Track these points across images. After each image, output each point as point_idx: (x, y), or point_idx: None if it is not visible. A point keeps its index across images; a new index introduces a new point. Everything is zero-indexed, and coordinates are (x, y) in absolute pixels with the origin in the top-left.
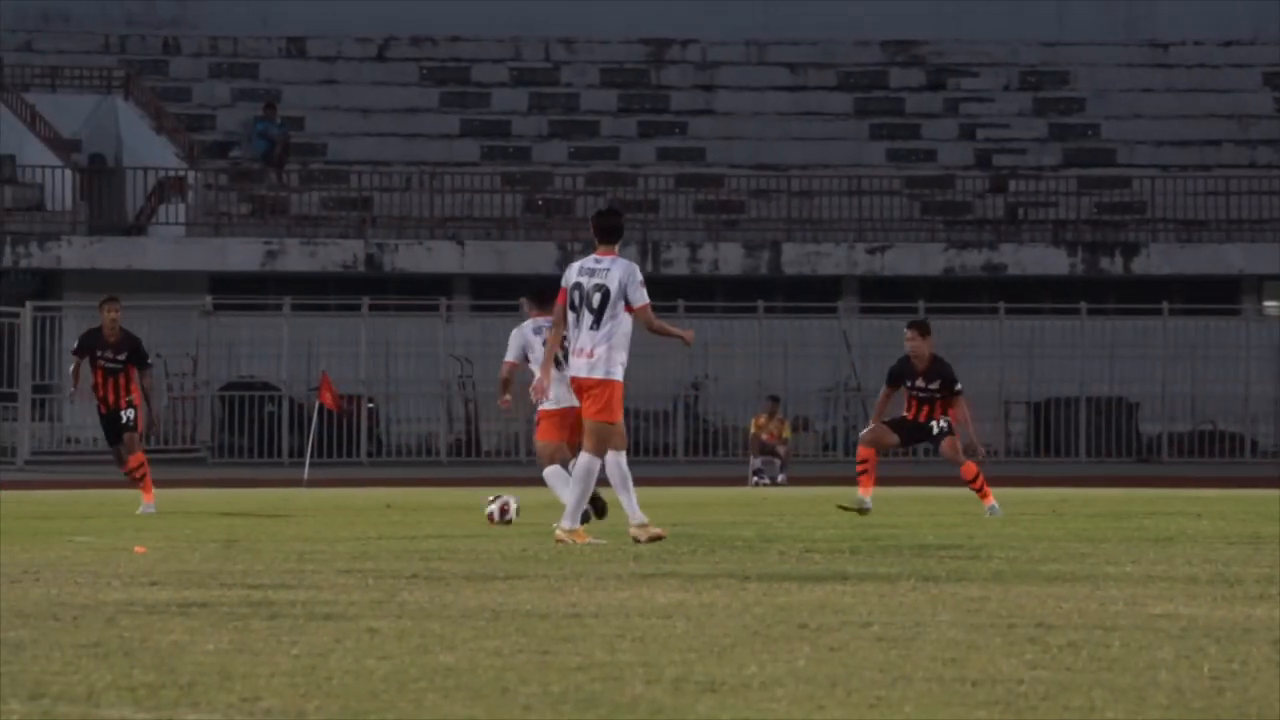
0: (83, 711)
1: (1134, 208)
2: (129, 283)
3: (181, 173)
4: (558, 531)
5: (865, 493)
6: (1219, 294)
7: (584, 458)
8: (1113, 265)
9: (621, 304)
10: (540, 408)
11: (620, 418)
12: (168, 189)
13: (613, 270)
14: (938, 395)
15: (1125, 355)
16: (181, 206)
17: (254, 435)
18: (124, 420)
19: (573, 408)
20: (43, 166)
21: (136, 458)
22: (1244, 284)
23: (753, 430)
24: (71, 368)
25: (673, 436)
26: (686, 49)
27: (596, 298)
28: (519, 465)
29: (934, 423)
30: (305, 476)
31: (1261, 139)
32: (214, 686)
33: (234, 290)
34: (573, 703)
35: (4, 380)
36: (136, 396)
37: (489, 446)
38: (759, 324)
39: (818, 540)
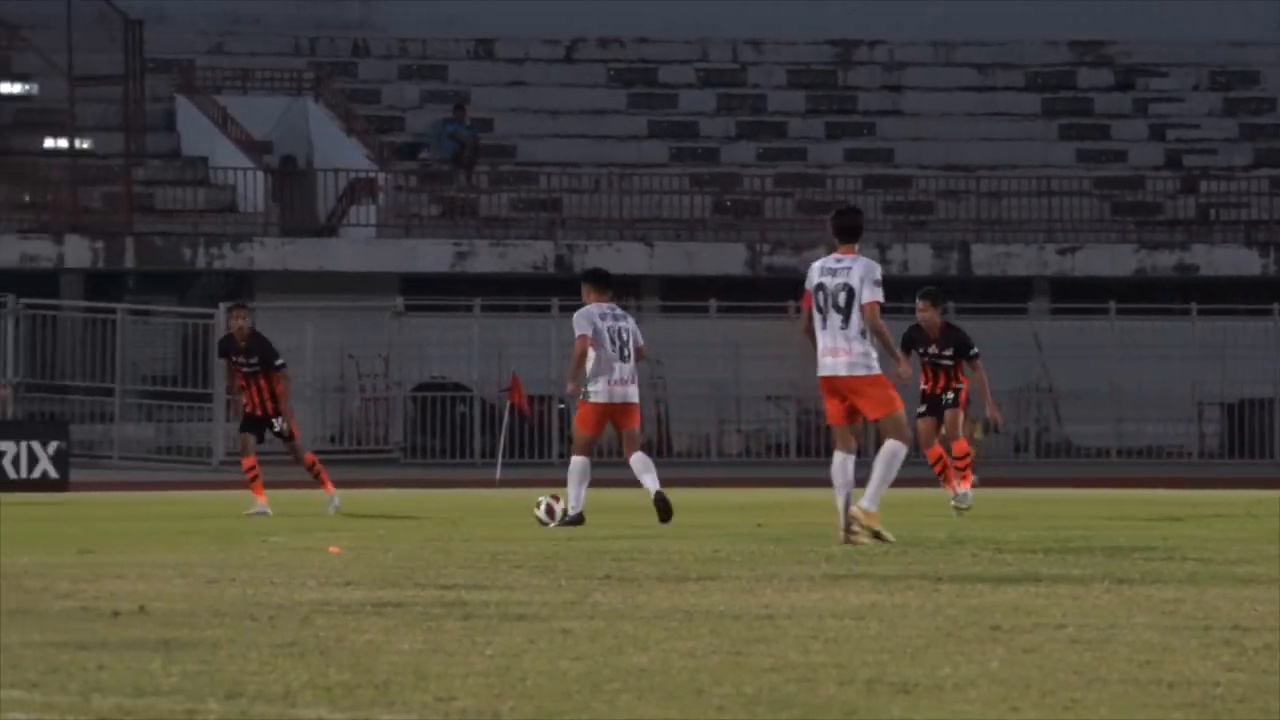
0: (279, 711)
1: None
2: (320, 284)
3: (372, 174)
4: (853, 509)
5: (963, 486)
6: None
7: (890, 444)
8: None
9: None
10: (583, 399)
11: (901, 405)
12: (358, 190)
13: (854, 268)
14: (950, 362)
15: None
16: (372, 208)
17: (446, 436)
18: (277, 429)
19: (611, 404)
20: (235, 168)
21: (309, 457)
22: None
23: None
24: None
25: (866, 436)
26: (874, 50)
27: (842, 296)
28: (710, 466)
29: (946, 393)
30: (498, 477)
31: None
32: (409, 686)
33: (424, 291)
34: (766, 704)
35: (198, 381)
36: (282, 403)
37: (680, 447)
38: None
39: (1010, 541)
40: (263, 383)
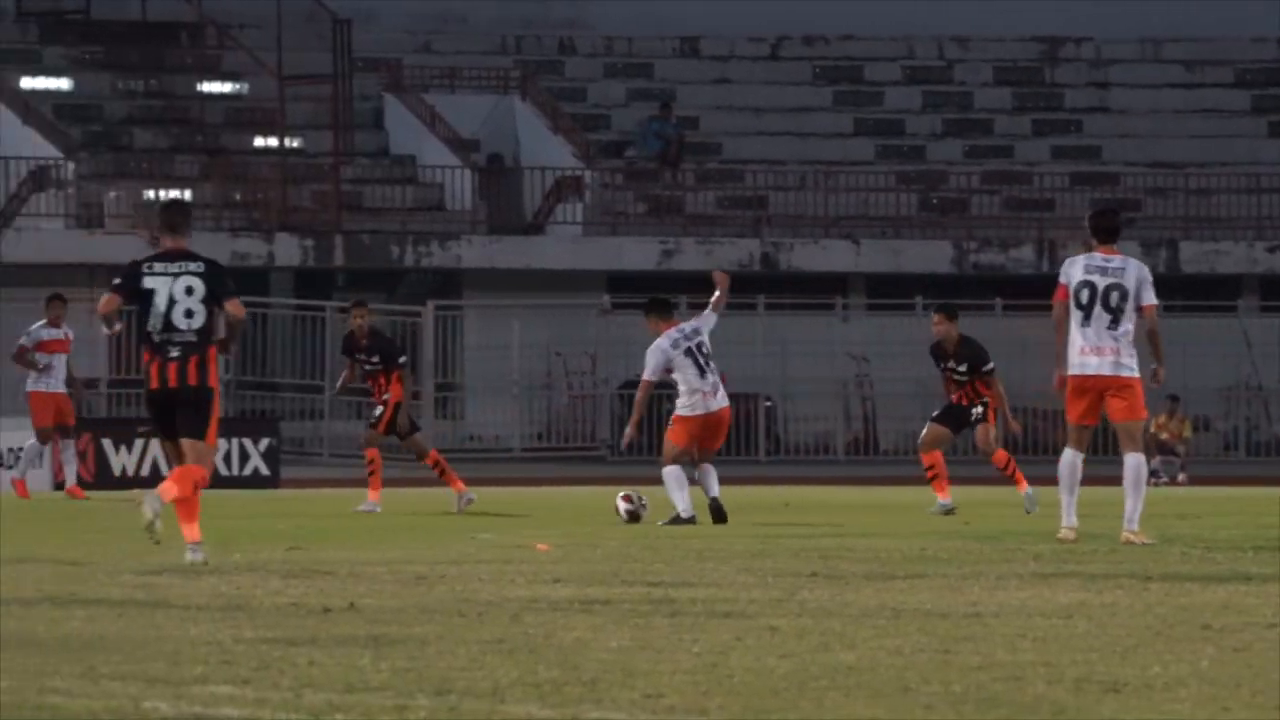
0: (488, 707)
1: None
2: (527, 282)
3: (578, 172)
4: (1125, 534)
5: (944, 497)
6: None
7: (1131, 458)
8: None
9: (1134, 303)
10: (677, 413)
11: (1145, 415)
12: (564, 188)
13: (1127, 270)
14: (967, 378)
15: None
16: (578, 206)
17: (653, 433)
18: (372, 418)
19: (709, 414)
20: (442, 166)
21: (432, 454)
22: None
23: (1152, 430)
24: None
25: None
26: (1080, 47)
27: (1114, 296)
28: (916, 464)
29: (973, 409)
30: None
31: None
32: (616, 683)
33: (630, 289)
34: (974, 702)
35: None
36: (392, 395)
37: (887, 445)
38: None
39: (1219, 540)
40: (381, 380)
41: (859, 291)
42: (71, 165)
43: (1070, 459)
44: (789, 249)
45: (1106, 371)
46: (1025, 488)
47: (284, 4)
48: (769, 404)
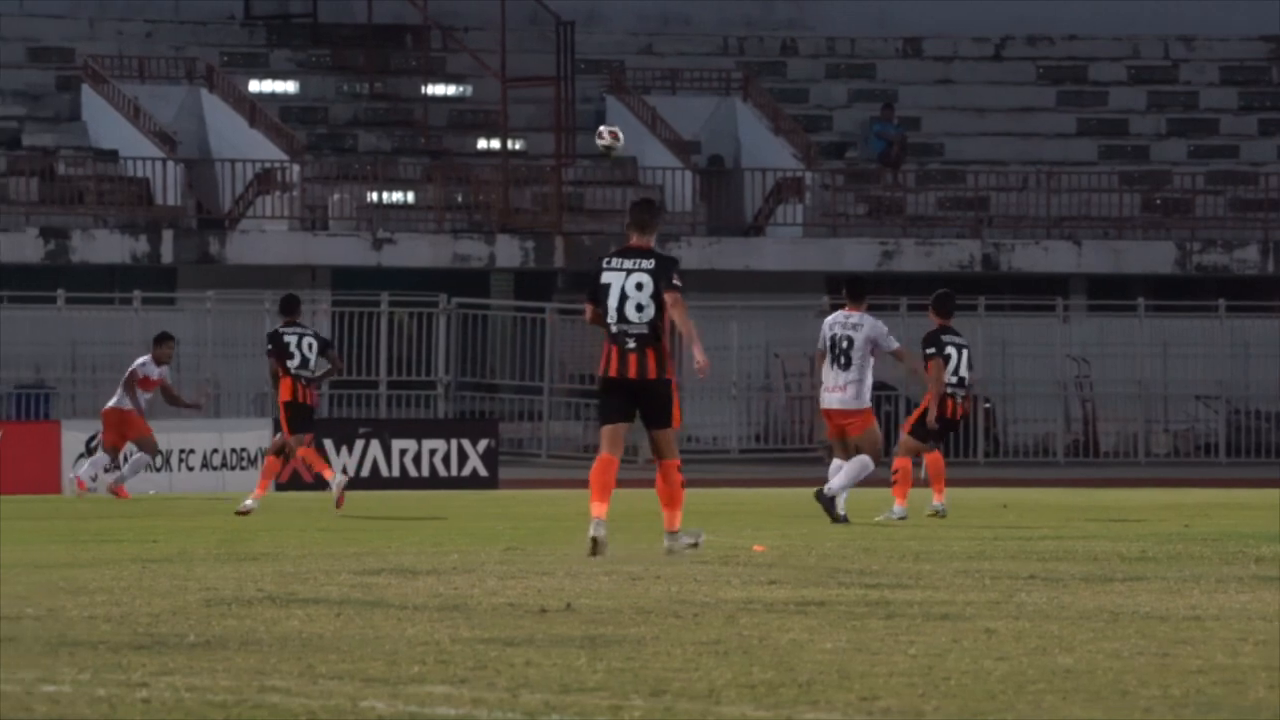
0: (703, 708)
1: None
2: (746, 283)
3: (799, 174)
4: None
5: (901, 503)
6: None
7: None
8: None
9: None
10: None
11: None
12: (785, 190)
13: None
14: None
15: None
16: (799, 207)
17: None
18: None
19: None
20: (663, 168)
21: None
22: None
23: None
24: None
25: (1214, 436)
26: None
27: None
28: (1137, 465)
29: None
30: (922, 476)
31: None
32: (832, 685)
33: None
34: (1193, 706)
35: None
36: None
37: (1107, 447)
38: None
39: None
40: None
41: (1080, 292)
42: (296, 168)
43: None
44: (1010, 250)
45: None
46: (903, 502)
47: (508, 6)
48: (988, 405)
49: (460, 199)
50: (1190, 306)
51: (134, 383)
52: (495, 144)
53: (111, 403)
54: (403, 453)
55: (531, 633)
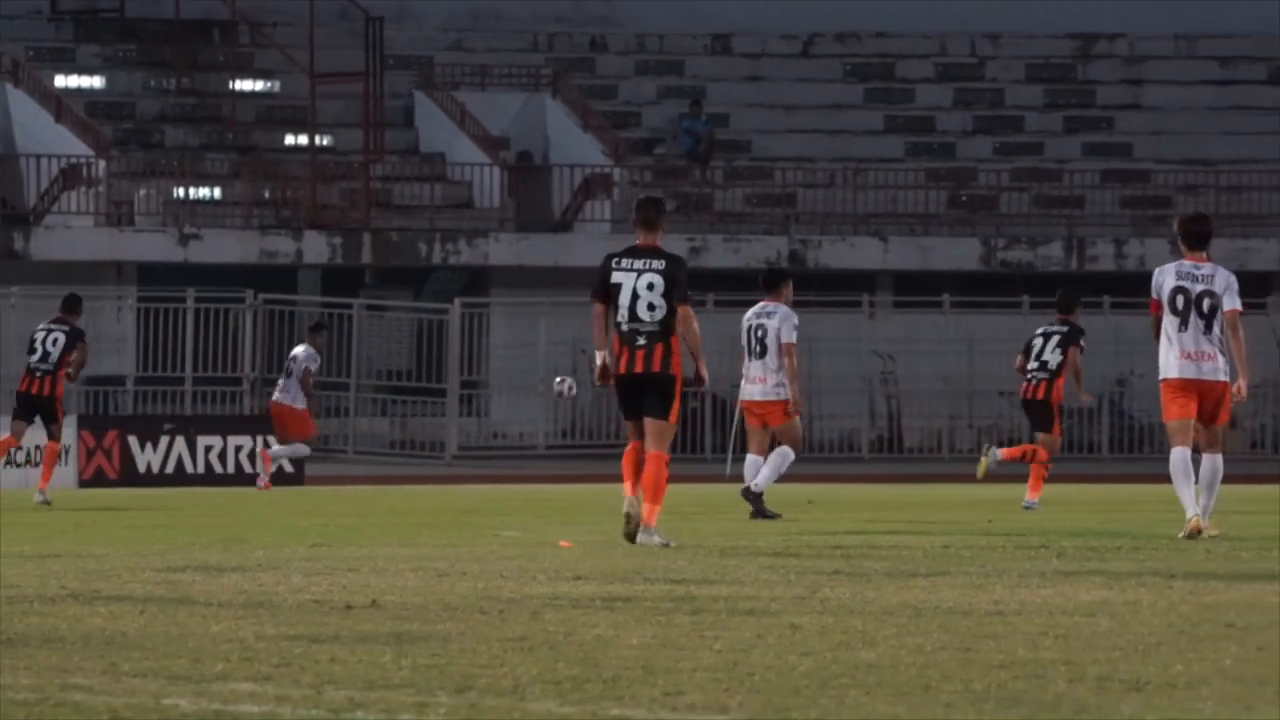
0: (509, 704)
1: None
2: (555, 279)
3: (607, 170)
4: (1196, 521)
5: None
6: None
7: (1211, 458)
8: None
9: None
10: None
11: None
12: (594, 186)
13: (1216, 276)
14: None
15: None
16: (607, 203)
17: (678, 431)
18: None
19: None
20: (472, 164)
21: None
22: None
23: None
24: None
25: (1098, 433)
26: (1114, 43)
27: (1206, 303)
28: (941, 461)
29: None
30: (728, 472)
31: None
32: (637, 681)
33: None
34: (995, 701)
35: (433, 376)
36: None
37: (912, 443)
38: None
39: (1246, 538)
40: None
41: (886, 289)
42: (103, 163)
43: (1180, 456)
44: (817, 246)
45: (1208, 377)
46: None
47: (317, 2)
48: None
49: (268, 195)
50: (995, 303)
51: (307, 378)
52: (303, 140)
53: (279, 397)
54: (208, 449)
55: (337, 629)
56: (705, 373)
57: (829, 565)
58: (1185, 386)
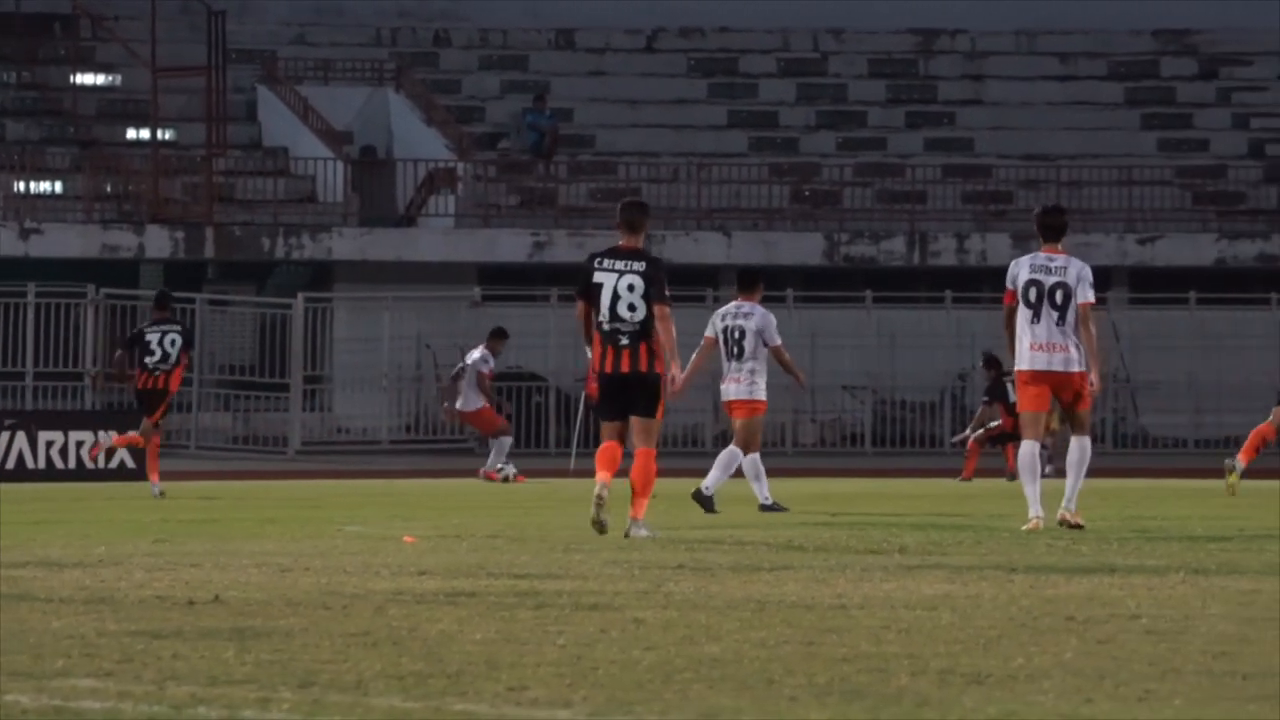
0: (352, 700)
1: None
2: (398, 274)
3: (451, 164)
4: (1061, 513)
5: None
6: None
7: (1079, 441)
8: None
9: (1076, 300)
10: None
11: (1090, 405)
12: (437, 181)
13: (1069, 268)
14: None
15: None
16: (451, 198)
17: (521, 425)
18: None
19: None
20: (315, 159)
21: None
22: None
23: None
24: None
25: (939, 427)
26: (955, 39)
27: (1059, 295)
28: (784, 455)
29: None
30: (572, 466)
31: None
32: (481, 676)
33: (502, 281)
34: (838, 694)
35: (276, 371)
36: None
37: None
38: None
39: (1085, 532)
40: None
41: (730, 284)
42: None
43: (1030, 449)
44: (661, 241)
45: (1058, 368)
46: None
47: None
48: None
49: (110, 189)
50: (838, 297)
51: (480, 380)
52: (145, 134)
53: (462, 404)
54: (49, 444)
55: (179, 625)
56: (678, 372)
57: (673, 559)
58: (1038, 378)
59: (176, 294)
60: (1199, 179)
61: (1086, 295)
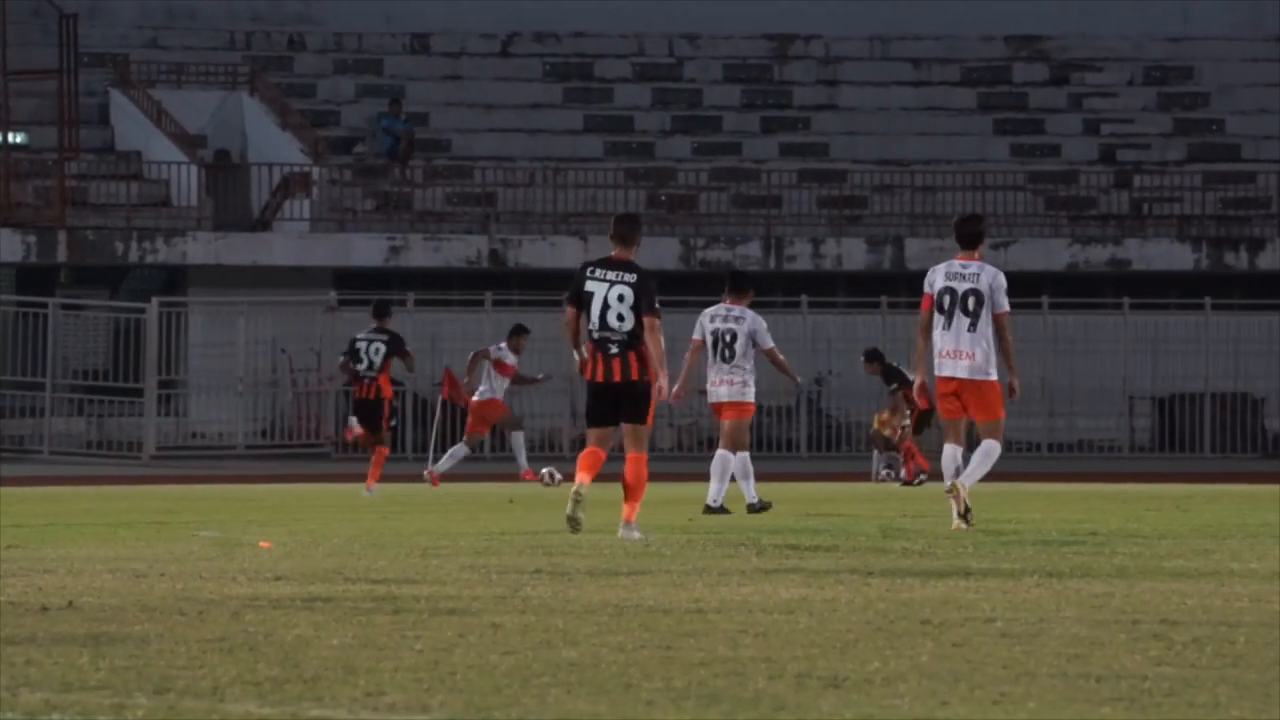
0: (207, 706)
1: (1259, 203)
2: (253, 278)
3: (306, 169)
4: (954, 483)
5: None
6: None
7: (988, 443)
8: (1238, 260)
9: (990, 308)
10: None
11: (1004, 414)
12: (292, 185)
13: (983, 275)
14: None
15: (1250, 350)
16: (306, 202)
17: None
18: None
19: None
20: (169, 163)
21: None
22: None
23: (875, 426)
24: None
25: (796, 432)
26: (810, 44)
27: (971, 301)
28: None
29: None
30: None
31: None
32: (338, 681)
33: (358, 286)
34: (695, 698)
35: (130, 376)
36: None
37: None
38: (882, 319)
39: (941, 536)
40: None
41: None
42: None
43: (950, 452)
44: (517, 246)
45: (963, 375)
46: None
47: None
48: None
49: None
50: (694, 302)
51: (496, 368)
52: None
53: (476, 396)
54: None
55: (33, 631)
56: (664, 382)
57: (530, 564)
58: (947, 385)
59: (29, 299)
60: (1051, 184)
61: (1002, 305)
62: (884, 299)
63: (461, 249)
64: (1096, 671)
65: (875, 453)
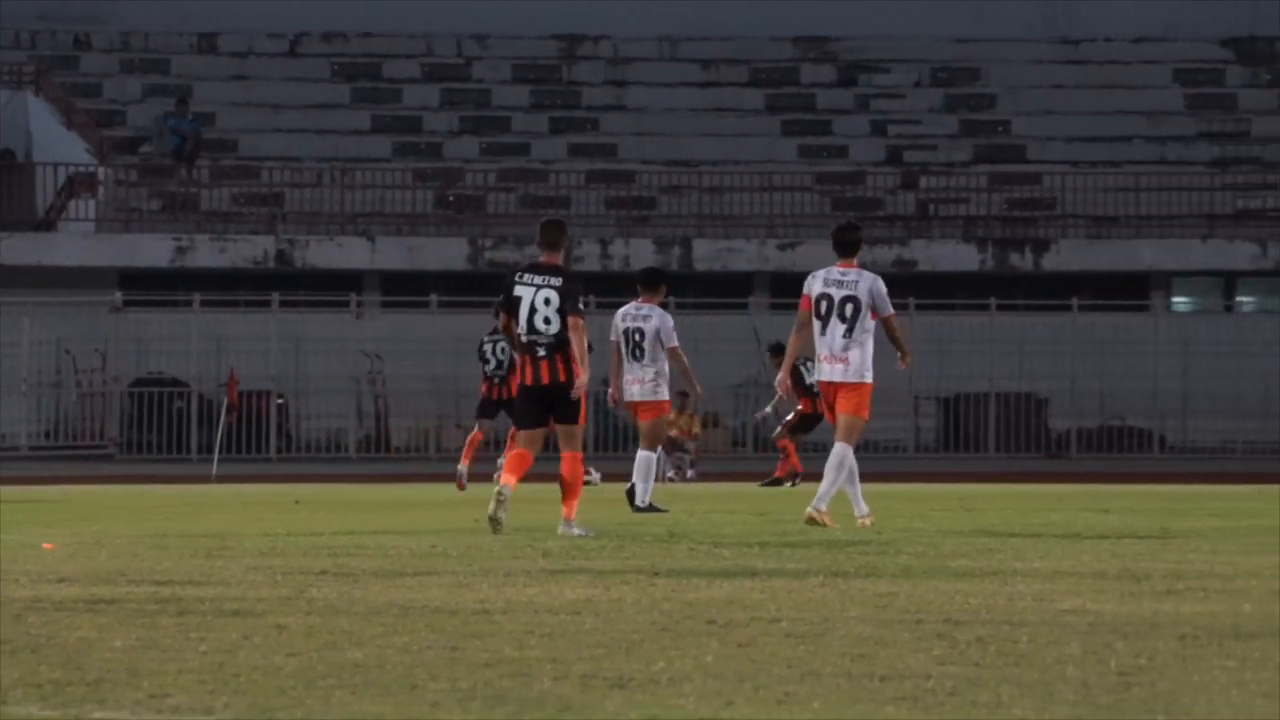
0: None
1: (1044, 204)
2: (38, 278)
3: (92, 169)
4: (811, 511)
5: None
6: (1128, 290)
7: (839, 447)
8: (1023, 261)
9: (870, 314)
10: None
11: (868, 415)
12: (78, 185)
13: (860, 283)
14: None
15: (1035, 351)
16: (91, 202)
17: (163, 431)
18: None
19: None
20: None
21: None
22: (1153, 280)
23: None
24: None
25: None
26: (599, 45)
27: (849, 308)
28: (430, 461)
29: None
30: (214, 472)
31: (1171, 135)
32: (121, 683)
33: (144, 286)
34: (481, 699)
35: None
36: None
37: (398, 443)
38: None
39: (727, 536)
40: None
41: (374, 289)
42: None
43: (841, 451)
44: (304, 246)
45: (838, 379)
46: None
47: None
48: (281, 401)
49: None
50: (483, 302)
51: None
52: None
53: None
54: None
55: None
56: (584, 378)
57: (316, 565)
58: (826, 389)
59: None
60: (838, 185)
61: (886, 309)
62: (671, 300)
63: (248, 249)
64: (881, 671)
65: (662, 453)
